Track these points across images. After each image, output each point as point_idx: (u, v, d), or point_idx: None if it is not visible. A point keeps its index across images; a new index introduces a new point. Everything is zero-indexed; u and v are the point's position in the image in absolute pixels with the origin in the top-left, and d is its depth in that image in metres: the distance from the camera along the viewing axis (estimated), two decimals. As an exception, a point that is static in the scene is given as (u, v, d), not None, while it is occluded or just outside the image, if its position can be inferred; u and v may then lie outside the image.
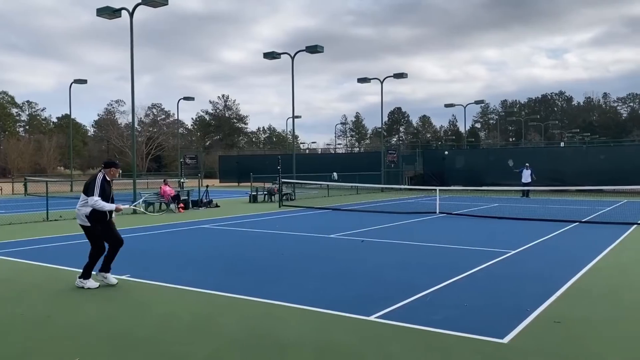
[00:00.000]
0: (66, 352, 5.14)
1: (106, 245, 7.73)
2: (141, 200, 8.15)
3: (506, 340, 5.30)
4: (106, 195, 7.56)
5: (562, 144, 58.27)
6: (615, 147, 45.71)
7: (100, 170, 7.89)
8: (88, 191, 7.49)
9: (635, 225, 15.11)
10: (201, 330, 5.78)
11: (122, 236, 7.92)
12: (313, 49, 31.34)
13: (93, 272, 7.67)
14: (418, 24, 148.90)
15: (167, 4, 21.07)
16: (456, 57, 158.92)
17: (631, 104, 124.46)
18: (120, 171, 8.34)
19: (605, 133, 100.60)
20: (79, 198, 7.82)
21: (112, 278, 7.76)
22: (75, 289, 7.64)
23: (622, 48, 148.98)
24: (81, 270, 7.68)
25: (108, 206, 7.51)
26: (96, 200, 7.38)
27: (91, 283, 7.60)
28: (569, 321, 5.97)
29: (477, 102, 66.30)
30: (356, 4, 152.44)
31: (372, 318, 6.11)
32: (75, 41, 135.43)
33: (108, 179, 7.72)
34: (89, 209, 7.50)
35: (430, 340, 5.40)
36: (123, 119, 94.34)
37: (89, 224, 7.61)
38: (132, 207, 8.27)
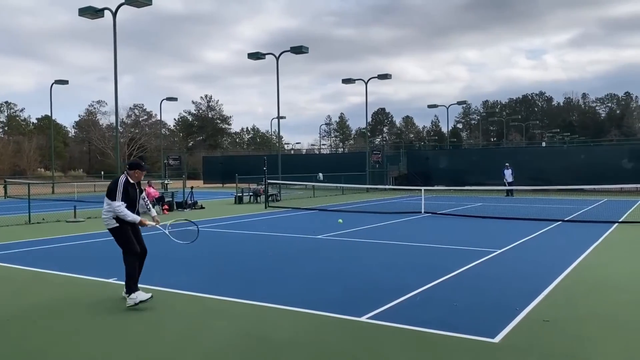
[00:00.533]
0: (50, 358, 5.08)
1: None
2: (168, 224, 7.49)
3: (497, 339, 5.34)
4: (130, 199, 6.99)
5: (543, 144, 59.00)
6: (595, 147, 46.49)
7: (123, 172, 7.34)
8: (110, 195, 6.96)
9: (616, 224, 15.37)
10: (194, 333, 5.73)
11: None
12: (298, 50, 31.32)
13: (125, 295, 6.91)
14: (399, 25, 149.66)
15: (150, 4, 20.91)
16: (437, 58, 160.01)
17: (609, 105, 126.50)
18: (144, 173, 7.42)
19: (584, 133, 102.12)
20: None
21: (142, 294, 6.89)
22: (60, 294, 7.54)
23: (599, 49, 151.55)
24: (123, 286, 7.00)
25: (131, 217, 6.87)
26: (118, 206, 6.81)
27: (141, 295, 6.74)
28: (558, 320, 6.04)
29: (459, 103, 67.07)
30: (337, 5, 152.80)
31: (363, 319, 6.11)
32: (54, 41, 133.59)
33: (132, 181, 7.07)
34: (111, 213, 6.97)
35: (423, 340, 5.43)
36: (104, 120, 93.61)
37: (117, 224, 6.95)
38: (157, 226, 7.50)
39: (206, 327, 5.95)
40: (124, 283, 6.99)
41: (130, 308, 6.65)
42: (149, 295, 6.78)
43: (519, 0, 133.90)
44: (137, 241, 7.09)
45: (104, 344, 5.46)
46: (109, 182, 7.27)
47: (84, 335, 5.76)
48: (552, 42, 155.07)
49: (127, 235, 6.99)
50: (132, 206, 7.03)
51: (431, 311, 6.46)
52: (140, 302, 6.67)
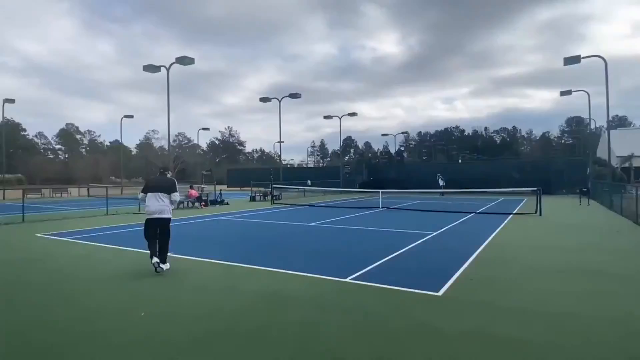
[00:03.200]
0: (134, 306, 4.97)
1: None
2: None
3: (440, 293, 5.36)
4: None
5: (460, 161, 59.52)
6: (493, 163, 47.00)
7: (168, 174, 7.06)
8: (173, 189, 6.77)
9: (511, 215, 15.58)
10: (230, 290, 5.64)
11: None
12: (294, 95, 31.30)
13: (156, 261, 6.54)
14: (357, 80, 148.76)
15: (193, 64, 20.73)
16: (382, 102, 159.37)
17: (502, 134, 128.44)
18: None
19: (486, 153, 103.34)
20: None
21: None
22: (136, 263, 7.36)
23: (489, 97, 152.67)
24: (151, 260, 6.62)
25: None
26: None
27: (167, 265, 6.69)
28: (479, 279, 6.09)
29: (402, 133, 67.43)
30: (314, 66, 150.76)
31: (347, 280, 6.08)
32: (117, 88, 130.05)
33: None
34: (173, 205, 6.82)
35: (390, 294, 5.41)
36: (157, 143, 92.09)
37: (170, 216, 6.79)
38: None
39: (239, 286, 5.86)
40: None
41: (167, 272, 6.53)
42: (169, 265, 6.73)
43: (436, 63, 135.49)
44: None
45: (166, 294, 5.34)
46: (167, 181, 6.86)
47: (151, 289, 5.63)
48: (459, 93, 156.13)
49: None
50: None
51: (393, 274, 6.45)
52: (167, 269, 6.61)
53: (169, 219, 6.81)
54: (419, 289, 5.51)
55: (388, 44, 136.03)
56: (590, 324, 4.32)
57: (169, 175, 7.03)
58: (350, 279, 6.11)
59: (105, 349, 3.78)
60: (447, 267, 6.82)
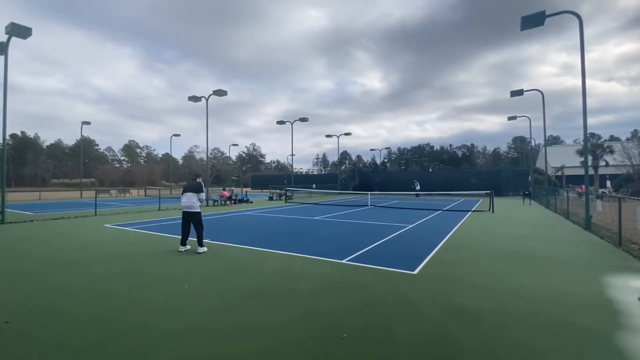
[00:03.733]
0: (179, 280, 4.97)
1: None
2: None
3: (416, 271, 5.34)
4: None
5: (430, 170, 59.35)
6: (456, 172, 46.82)
7: (198, 179, 7.16)
8: (201, 189, 6.86)
9: (470, 212, 15.44)
10: (254, 268, 5.64)
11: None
12: (304, 119, 31.38)
13: (184, 248, 6.82)
14: (350, 107, 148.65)
15: (226, 95, 20.84)
16: (369, 125, 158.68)
17: (463, 150, 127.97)
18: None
19: (450, 164, 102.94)
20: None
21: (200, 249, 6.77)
22: (173, 245, 7.37)
23: (452, 121, 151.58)
24: (192, 242, 7.02)
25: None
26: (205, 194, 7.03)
27: (204, 248, 6.76)
28: (446, 261, 6.05)
29: (386, 148, 67.46)
30: (317, 97, 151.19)
31: (344, 261, 6.06)
32: (167, 113, 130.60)
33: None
34: (201, 202, 6.87)
35: (376, 272, 5.39)
36: (198, 155, 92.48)
37: (199, 210, 6.90)
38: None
39: (260, 265, 5.85)
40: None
41: (204, 254, 6.53)
42: (206, 248, 6.75)
43: (410, 95, 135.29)
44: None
45: (203, 270, 5.34)
46: (196, 184, 6.97)
47: (192, 265, 5.62)
48: (429, 117, 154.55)
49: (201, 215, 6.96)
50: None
51: (379, 257, 6.41)
52: (204, 251, 6.59)
53: (198, 212, 6.88)
54: (399, 269, 5.49)
55: (374, 80, 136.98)
56: (524, 293, 4.30)
57: (198, 180, 7.11)
58: (346, 261, 6.09)
59: (160, 300, 3.79)
60: (421, 252, 6.78)
